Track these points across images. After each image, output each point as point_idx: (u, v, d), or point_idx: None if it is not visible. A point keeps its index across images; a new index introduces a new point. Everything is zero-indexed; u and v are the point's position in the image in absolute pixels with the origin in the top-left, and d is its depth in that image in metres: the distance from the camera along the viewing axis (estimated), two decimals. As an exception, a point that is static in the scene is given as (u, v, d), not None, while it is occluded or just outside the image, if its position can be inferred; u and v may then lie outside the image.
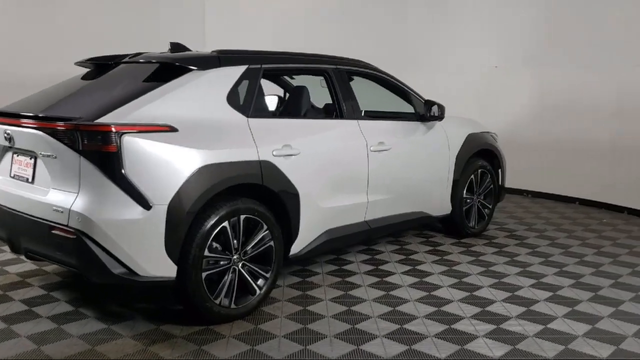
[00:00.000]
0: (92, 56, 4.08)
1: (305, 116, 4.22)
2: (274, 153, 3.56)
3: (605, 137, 6.80)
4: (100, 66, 3.92)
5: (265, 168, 3.49)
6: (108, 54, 4.04)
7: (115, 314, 3.51)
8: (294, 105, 4.26)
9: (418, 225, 5.47)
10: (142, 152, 3.02)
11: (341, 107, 4.24)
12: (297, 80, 5.33)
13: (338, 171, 4.03)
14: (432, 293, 3.95)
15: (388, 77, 4.76)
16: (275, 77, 5.19)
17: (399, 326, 3.40)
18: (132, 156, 2.99)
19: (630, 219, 6.44)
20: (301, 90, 4.31)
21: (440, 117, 4.86)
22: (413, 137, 4.73)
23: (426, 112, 4.81)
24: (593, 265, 4.63)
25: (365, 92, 4.90)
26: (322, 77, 4.30)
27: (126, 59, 3.79)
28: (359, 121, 4.29)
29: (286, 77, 5.40)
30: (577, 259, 4.80)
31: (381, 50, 7.78)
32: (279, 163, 3.58)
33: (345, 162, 4.10)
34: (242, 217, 3.39)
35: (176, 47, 3.97)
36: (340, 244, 4.34)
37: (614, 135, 6.72)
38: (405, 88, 4.86)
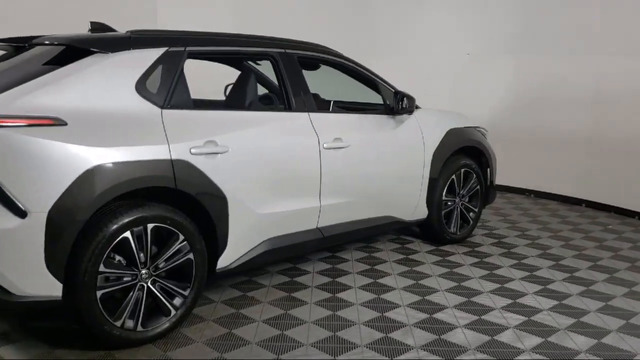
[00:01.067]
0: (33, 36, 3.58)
1: (248, 108, 3.69)
2: (193, 151, 3.04)
3: (612, 132, 6.13)
4: (16, 48, 3.45)
5: (180, 169, 2.97)
6: (33, 35, 3.53)
7: (6, 334, 3.05)
8: (235, 96, 3.73)
9: (392, 231, 4.92)
10: (16, 150, 2.54)
11: (289, 97, 3.69)
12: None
13: (280, 172, 3.50)
14: (385, 314, 3.41)
15: (352, 65, 4.17)
16: (233, 62, 4.63)
17: (333, 358, 2.88)
18: (2, 155, 2.51)
19: (640, 225, 5.78)
20: (245, 78, 3.78)
21: (409, 110, 4.26)
22: (378, 132, 4.15)
23: (396, 105, 4.23)
24: (583, 283, 4.02)
25: (328, 82, 4.35)
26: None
27: (35, 41, 3.31)
28: (311, 114, 3.74)
29: (250, 62, 4.83)
30: (567, 274, 4.19)
31: (345, 37, 7.21)
32: (198, 163, 3.06)
33: (290, 161, 3.56)
34: (150, 226, 2.90)
35: (98, 27, 3.49)
36: (286, 255, 3.82)
37: (622, 130, 6.04)
38: (373, 77, 4.27)
